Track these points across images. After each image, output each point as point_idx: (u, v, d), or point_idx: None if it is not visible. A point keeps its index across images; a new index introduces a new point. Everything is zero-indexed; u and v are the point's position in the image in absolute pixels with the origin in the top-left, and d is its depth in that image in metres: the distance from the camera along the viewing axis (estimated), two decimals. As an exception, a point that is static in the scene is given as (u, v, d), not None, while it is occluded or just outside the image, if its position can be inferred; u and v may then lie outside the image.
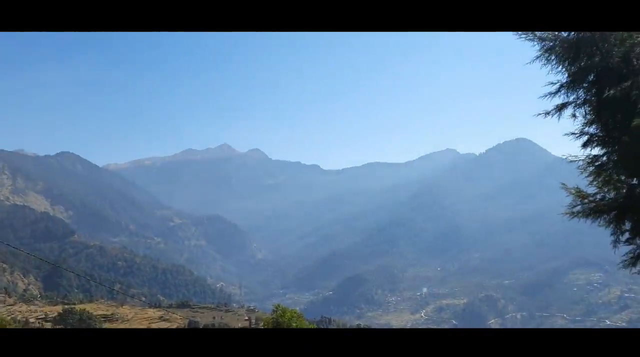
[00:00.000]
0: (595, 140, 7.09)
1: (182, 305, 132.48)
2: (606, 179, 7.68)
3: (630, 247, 8.02)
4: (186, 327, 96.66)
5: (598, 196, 7.87)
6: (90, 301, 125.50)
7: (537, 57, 6.88)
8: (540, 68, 6.78)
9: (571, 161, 7.92)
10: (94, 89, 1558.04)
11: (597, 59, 6.46)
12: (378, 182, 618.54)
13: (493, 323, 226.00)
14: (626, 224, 7.79)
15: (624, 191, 7.65)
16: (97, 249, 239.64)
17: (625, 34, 6.07)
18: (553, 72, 6.88)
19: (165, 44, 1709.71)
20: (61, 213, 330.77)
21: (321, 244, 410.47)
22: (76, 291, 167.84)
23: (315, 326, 58.41)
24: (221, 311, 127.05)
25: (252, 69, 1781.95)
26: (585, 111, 6.95)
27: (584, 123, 7.08)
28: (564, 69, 6.84)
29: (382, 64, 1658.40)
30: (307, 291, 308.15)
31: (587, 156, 7.47)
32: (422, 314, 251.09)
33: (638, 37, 6.01)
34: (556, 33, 6.66)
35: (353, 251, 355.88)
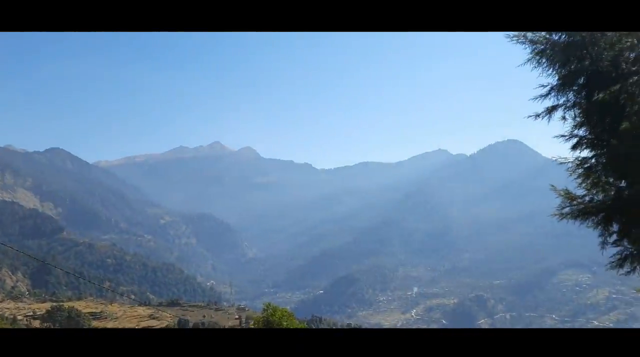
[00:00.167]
0: (585, 142, 7.18)
1: (172, 303, 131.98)
2: (595, 181, 7.77)
3: (618, 248, 8.12)
4: (176, 325, 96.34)
5: (587, 198, 7.96)
6: (79, 299, 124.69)
7: (528, 60, 6.95)
8: (531, 70, 6.85)
9: (561, 163, 8.01)
10: (85, 85, 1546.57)
11: (587, 62, 6.53)
12: (370, 182, 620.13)
13: (483, 323, 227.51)
14: (614, 225, 7.89)
15: (612, 193, 7.74)
16: (86, 247, 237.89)
17: (615, 37, 6.15)
18: (544, 74, 6.96)
19: (157, 41, 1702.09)
20: (50, 210, 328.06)
21: (312, 243, 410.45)
22: (65, 288, 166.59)
23: (306, 326, 58.44)
24: (211, 309, 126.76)
25: (245, 67, 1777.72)
26: (575, 114, 7.03)
27: (573, 125, 7.16)
28: (554, 72, 6.91)
29: (376, 64, 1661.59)
30: (298, 290, 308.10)
31: (576, 158, 7.55)
32: (413, 314, 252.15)
33: (627, 41, 6.07)
34: (547, 36, 6.73)
35: (344, 250, 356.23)
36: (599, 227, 7.93)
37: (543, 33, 6.80)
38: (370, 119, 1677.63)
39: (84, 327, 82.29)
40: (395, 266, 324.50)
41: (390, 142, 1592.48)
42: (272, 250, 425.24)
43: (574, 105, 6.94)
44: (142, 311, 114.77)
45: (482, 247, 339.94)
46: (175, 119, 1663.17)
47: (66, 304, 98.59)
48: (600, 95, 6.06)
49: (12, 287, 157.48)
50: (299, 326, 40.37)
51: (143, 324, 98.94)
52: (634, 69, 5.91)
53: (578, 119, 7.04)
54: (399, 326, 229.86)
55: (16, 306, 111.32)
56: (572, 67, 6.66)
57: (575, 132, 7.22)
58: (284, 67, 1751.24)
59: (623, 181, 7.56)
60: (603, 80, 6.22)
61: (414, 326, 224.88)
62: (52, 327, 79.37)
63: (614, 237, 8.00)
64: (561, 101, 7.02)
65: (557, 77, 6.91)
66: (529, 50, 6.86)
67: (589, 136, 7.05)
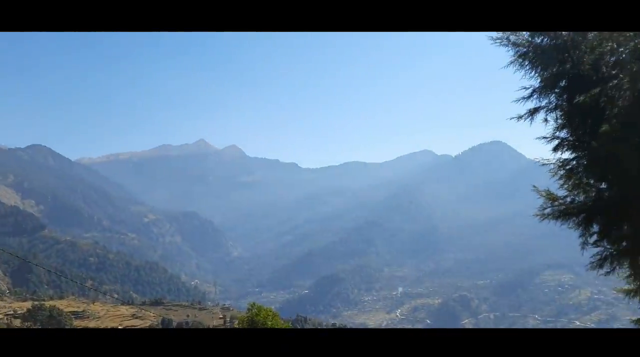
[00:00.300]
0: (566, 144, 7.30)
1: (156, 302, 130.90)
2: (576, 182, 7.90)
3: (598, 249, 8.26)
4: (159, 325, 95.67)
5: (568, 199, 8.09)
6: (61, 298, 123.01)
7: (511, 62, 7.06)
8: (514, 72, 6.95)
9: (543, 164, 8.13)
10: (68, 82, 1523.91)
11: (568, 65, 6.64)
12: (355, 182, 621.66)
13: (466, 323, 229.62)
14: (594, 226, 8.02)
15: (593, 194, 7.87)
16: (68, 245, 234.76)
17: (596, 41, 6.26)
18: (527, 77, 7.06)
19: (141, 38, 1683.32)
20: (32, 207, 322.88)
21: (298, 243, 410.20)
22: (46, 287, 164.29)
23: (291, 325, 58.41)
24: (195, 309, 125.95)
25: (231, 65, 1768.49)
26: (556, 116, 7.15)
27: (555, 127, 7.28)
28: (536, 74, 7.02)
29: (363, 64, 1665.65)
30: (282, 289, 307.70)
31: (558, 160, 7.68)
32: (397, 314, 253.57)
33: (607, 45, 6.18)
34: (530, 39, 6.84)
35: (330, 250, 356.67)
36: (580, 227, 8.06)
37: (526, 35, 6.90)
38: (356, 118, 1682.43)
39: (66, 327, 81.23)
40: (380, 266, 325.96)
41: (376, 143, 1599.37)
42: (257, 249, 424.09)
43: (555, 108, 7.06)
44: (125, 310, 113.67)
45: (467, 248, 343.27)
46: (159, 116, 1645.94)
47: (47, 303, 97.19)
48: (581, 98, 6.17)
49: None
50: (284, 326, 40.33)
51: (126, 324, 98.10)
52: (613, 72, 6.03)
53: (560, 121, 7.16)
54: (383, 325, 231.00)
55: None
56: (554, 70, 6.76)
57: (557, 134, 7.34)
58: (270, 66, 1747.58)
59: (603, 183, 7.70)
60: (584, 84, 6.33)
61: (399, 326, 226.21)
62: (33, 327, 78.20)
63: (595, 238, 8.14)
64: (543, 103, 7.14)
65: (539, 80, 7.02)
66: (512, 52, 6.97)
67: (570, 138, 7.18)
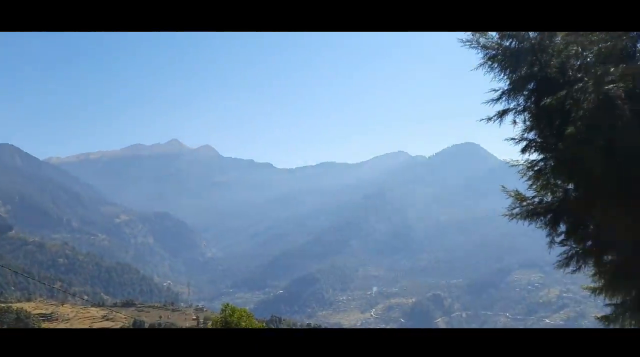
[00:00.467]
0: (533, 146, 7.46)
1: (127, 304, 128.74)
2: (544, 183, 8.07)
3: (565, 248, 8.45)
4: (131, 326, 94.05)
5: (536, 199, 8.26)
6: (29, 300, 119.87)
7: (481, 65, 7.18)
8: (484, 75, 7.07)
9: (512, 166, 8.30)
10: (37, 79, 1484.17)
11: (536, 68, 6.78)
12: (331, 182, 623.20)
13: (440, 322, 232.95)
14: (561, 226, 8.21)
15: (560, 195, 8.06)
16: (36, 246, 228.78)
17: (562, 45, 6.41)
18: (496, 79, 7.20)
19: (113, 37, 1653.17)
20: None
21: (272, 243, 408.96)
22: (13, 289, 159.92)
23: (265, 326, 58.15)
24: (168, 310, 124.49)
25: (204, 64, 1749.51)
26: (525, 118, 7.30)
27: (523, 129, 7.43)
28: (505, 77, 7.15)
29: (337, 65, 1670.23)
30: (257, 290, 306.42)
31: (526, 161, 7.84)
32: (372, 313, 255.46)
33: (572, 49, 6.33)
34: (499, 42, 6.97)
35: (305, 250, 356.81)
36: (547, 227, 8.23)
37: (495, 38, 7.02)
38: (331, 119, 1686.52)
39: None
40: (355, 265, 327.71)
41: (352, 143, 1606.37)
42: (232, 250, 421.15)
43: (524, 110, 7.20)
44: (95, 312, 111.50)
45: (440, 248, 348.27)
46: (131, 115, 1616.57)
47: (15, 305, 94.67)
48: (548, 100, 6.31)
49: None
50: (258, 326, 40.13)
51: (96, 326, 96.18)
52: (579, 75, 6.18)
53: (528, 123, 7.31)
54: (358, 325, 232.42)
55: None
56: (522, 72, 6.90)
57: (525, 135, 7.49)
58: (245, 65, 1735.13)
59: (570, 184, 7.88)
60: (551, 86, 6.47)
61: (373, 325, 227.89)
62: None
63: (562, 237, 8.33)
64: (512, 105, 7.27)
65: (508, 82, 7.16)
66: (481, 54, 7.08)
67: (538, 140, 7.34)
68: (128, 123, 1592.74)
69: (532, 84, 6.92)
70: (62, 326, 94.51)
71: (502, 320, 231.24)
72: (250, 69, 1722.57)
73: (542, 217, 8.12)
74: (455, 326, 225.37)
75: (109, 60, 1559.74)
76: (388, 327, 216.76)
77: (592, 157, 6.04)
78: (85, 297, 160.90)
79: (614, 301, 8.90)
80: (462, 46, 6.98)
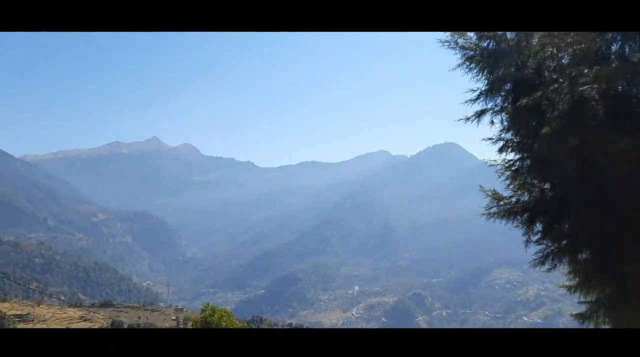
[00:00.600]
0: (510, 146, 7.57)
1: (105, 304, 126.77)
2: (521, 183, 8.19)
3: (540, 247, 8.58)
4: (109, 327, 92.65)
5: (513, 199, 8.37)
6: (4, 300, 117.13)
7: (459, 65, 7.25)
8: (462, 75, 7.14)
9: (491, 165, 8.40)
10: (13, 75, 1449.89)
11: (513, 69, 6.87)
12: (312, 182, 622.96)
13: (420, 320, 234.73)
14: (537, 225, 8.33)
15: (537, 194, 8.19)
16: (11, 245, 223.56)
17: (538, 46, 6.51)
18: (474, 79, 7.27)
19: (93, 34, 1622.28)
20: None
21: (254, 243, 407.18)
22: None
23: (246, 326, 57.92)
24: (147, 310, 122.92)
25: (185, 62, 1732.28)
26: (502, 118, 7.39)
27: (501, 129, 7.52)
28: (483, 77, 7.23)
29: (320, 65, 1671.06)
30: (238, 290, 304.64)
31: (503, 161, 7.95)
32: (354, 312, 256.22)
33: (548, 50, 6.43)
34: (477, 43, 7.04)
35: (286, 249, 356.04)
36: (524, 226, 8.35)
37: (474, 39, 7.09)
38: (313, 119, 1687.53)
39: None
40: (336, 265, 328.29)
41: (333, 143, 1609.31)
42: (212, 249, 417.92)
43: (501, 110, 7.29)
44: (72, 312, 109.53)
45: (421, 247, 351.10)
46: (110, 113, 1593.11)
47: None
48: (524, 101, 6.40)
49: None
50: (239, 327, 39.91)
51: (73, 327, 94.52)
52: (554, 76, 6.28)
53: (505, 123, 7.41)
54: (339, 324, 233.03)
55: None
56: (500, 73, 6.99)
57: (503, 135, 7.59)
58: (226, 64, 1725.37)
59: (547, 184, 8.01)
60: (527, 87, 6.57)
61: (355, 324, 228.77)
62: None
63: (538, 236, 8.45)
64: (489, 106, 7.36)
65: (486, 83, 7.24)
66: (459, 55, 7.15)
67: (515, 140, 7.44)
68: (106, 121, 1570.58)
69: (509, 85, 7.01)
70: (38, 326, 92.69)
71: (482, 318, 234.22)
72: (231, 67, 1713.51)
73: (518, 217, 8.24)
74: (436, 324, 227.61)
75: (87, 57, 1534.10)
76: (370, 326, 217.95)
77: (567, 157, 6.15)
78: (62, 297, 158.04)
79: (588, 299, 9.05)
80: (440, 46, 7.04)
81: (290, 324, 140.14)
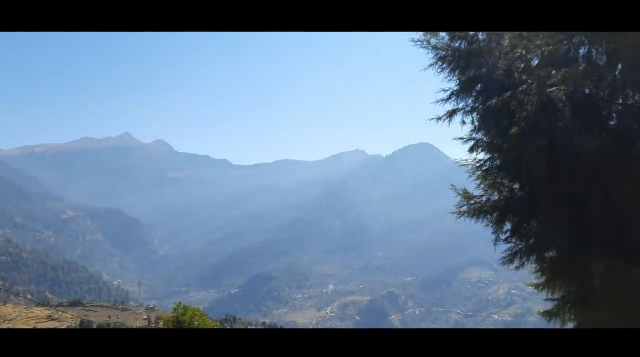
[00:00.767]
0: (480, 145, 7.68)
1: (74, 303, 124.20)
2: (491, 182, 8.32)
3: (509, 245, 8.74)
4: (78, 326, 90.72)
5: (484, 198, 8.50)
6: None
7: (431, 65, 7.32)
8: (434, 75, 7.21)
9: (462, 165, 8.51)
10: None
11: (484, 70, 6.98)
12: (287, 180, 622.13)
13: (394, 319, 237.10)
14: (506, 224, 8.48)
15: (506, 193, 8.33)
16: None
17: (508, 48, 6.62)
18: (446, 79, 7.36)
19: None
20: None
21: (228, 241, 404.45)
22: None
23: (219, 325, 57.45)
24: (117, 309, 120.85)
25: (158, 57, 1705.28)
26: (473, 118, 7.50)
27: (472, 129, 7.63)
28: (455, 77, 7.32)
29: (296, 63, 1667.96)
30: (211, 288, 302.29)
31: (474, 160, 8.07)
32: (328, 311, 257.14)
33: (517, 51, 6.55)
34: (449, 43, 7.12)
35: (260, 248, 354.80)
36: (493, 225, 8.49)
37: (446, 39, 7.17)
38: (290, 116, 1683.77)
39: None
40: (311, 264, 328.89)
41: (309, 141, 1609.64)
42: (185, 247, 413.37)
43: (472, 110, 7.39)
44: (39, 311, 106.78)
45: (395, 246, 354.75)
46: (80, 108, 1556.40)
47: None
48: (494, 101, 6.50)
49: None
50: (212, 326, 39.52)
51: (40, 326, 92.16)
52: (523, 77, 6.40)
53: (476, 123, 7.52)
54: (314, 323, 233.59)
55: None
56: (471, 73, 7.08)
57: (474, 135, 7.71)
58: (201, 60, 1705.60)
59: (516, 183, 8.16)
60: (498, 88, 6.68)
61: (329, 323, 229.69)
62: None
63: (507, 234, 8.60)
64: (461, 106, 7.45)
65: (457, 82, 7.33)
66: (432, 55, 7.23)
67: (485, 140, 7.56)
68: (76, 116, 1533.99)
69: (480, 85, 7.11)
70: (4, 326, 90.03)
71: (454, 317, 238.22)
72: (206, 63, 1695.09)
73: (488, 215, 8.36)
74: (409, 322, 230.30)
75: (56, 50, 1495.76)
76: (343, 325, 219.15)
77: (534, 157, 6.27)
78: (29, 296, 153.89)
79: (555, 296, 9.25)
80: (412, 45, 7.10)
81: (264, 323, 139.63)
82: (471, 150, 7.70)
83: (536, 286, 9.62)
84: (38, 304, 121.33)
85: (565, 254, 7.92)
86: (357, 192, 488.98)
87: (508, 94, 6.23)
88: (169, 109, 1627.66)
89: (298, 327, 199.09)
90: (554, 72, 6.15)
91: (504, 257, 8.75)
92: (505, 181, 8.25)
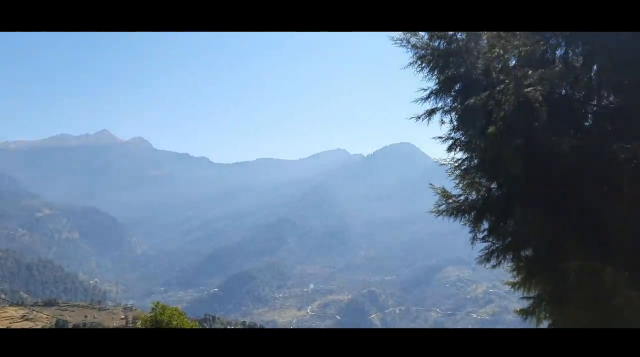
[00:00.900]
0: (459, 145, 7.75)
1: (49, 303, 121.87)
2: (469, 181, 8.39)
3: (486, 244, 8.83)
4: (53, 327, 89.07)
5: (462, 197, 8.57)
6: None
7: (410, 64, 7.35)
8: (414, 74, 7.24)
9: (442, 165, 8.57)
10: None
11: (462, 69, 7.03)
12: (268, 179, 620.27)
13: (374, 318, 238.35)
14: (484, 223, 8.56)
15: (484, 193, 8.41)
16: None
17: (486, 48, 6.68)
18: (426, 78, 7.39)
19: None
20: None
21: (207, 240, 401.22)
22: None
23: (198, 325, 56.88)
24: (94, 309, 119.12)
25: (136, 52, 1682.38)
26: (451, 118, 7.55)
27: (450, 129, 7.69)
28: (434, 77, 7.36)
29: (276, 62, 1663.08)
30: (190, 288, 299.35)
31: (452, 160, 8.13)
32: (308, 310, 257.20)
33: (495, 51, 6.61)
34: (428, 42, 7.16)
35: (240, 247, 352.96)
36: (471, 224, 8.56)
37: (425, 38, 7.20)
38: (271, 115, 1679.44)
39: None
40: (292, 263, 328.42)
41: (291, 140, 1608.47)
42: (164, 246, 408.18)
43: (451, 110, 7.44)
44: (13, 311, 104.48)
45: (376, 245, 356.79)
46: (56, 104, 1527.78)
47: None
48: (472, 101, 6.56)
49: None
50: (190, 326, 39.14)
51: (15, 326, 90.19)
52: (501, 77, 6.46)
53: (455, 122, 7.57)
54: (294, 322, 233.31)
55: None
56: (450, 73, 7.13)
57: (453, 135, 7.77)
58: (181, 57, 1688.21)
59: (494, 182, 8.24)
60: (476, 87, 6.73)
61: (309, 322, 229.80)
62: None
63: (484, 233, 8.68)
64: (440, 105, 7.50)
65: (436, 82, 7.37)
66: (411, 54, 7.25)
67: (463, 139, 7.63)
68: (53, 112, 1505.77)
69: (458, 85, 7.17)
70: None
71: (433, 315, 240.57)
72: (186, 60, 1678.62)
73: (466, 215, 8.43)
74: (389, 321, 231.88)
75: (31, 45, 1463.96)
76: (323, 325, 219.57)
77: (511, 157, 6.34)
78: (3, 296, 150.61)
79: (531, 295, 9.38)
80: (392, 44, 7.11)
81: (244, 322, 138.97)
82: (450, 149, 7.76)
83: (513, 284, 9.72)
84: (12, 304, 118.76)
85: (541, 253, 8.03)
86: (339, 192, 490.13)
87: (486, 93, 6.29)
88: (148, 106, 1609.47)
89: (278, 327, 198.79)
90: (531, 72, 6.24)
91: (481, 256, 8.84)
92: (483, 181, 8.32)
